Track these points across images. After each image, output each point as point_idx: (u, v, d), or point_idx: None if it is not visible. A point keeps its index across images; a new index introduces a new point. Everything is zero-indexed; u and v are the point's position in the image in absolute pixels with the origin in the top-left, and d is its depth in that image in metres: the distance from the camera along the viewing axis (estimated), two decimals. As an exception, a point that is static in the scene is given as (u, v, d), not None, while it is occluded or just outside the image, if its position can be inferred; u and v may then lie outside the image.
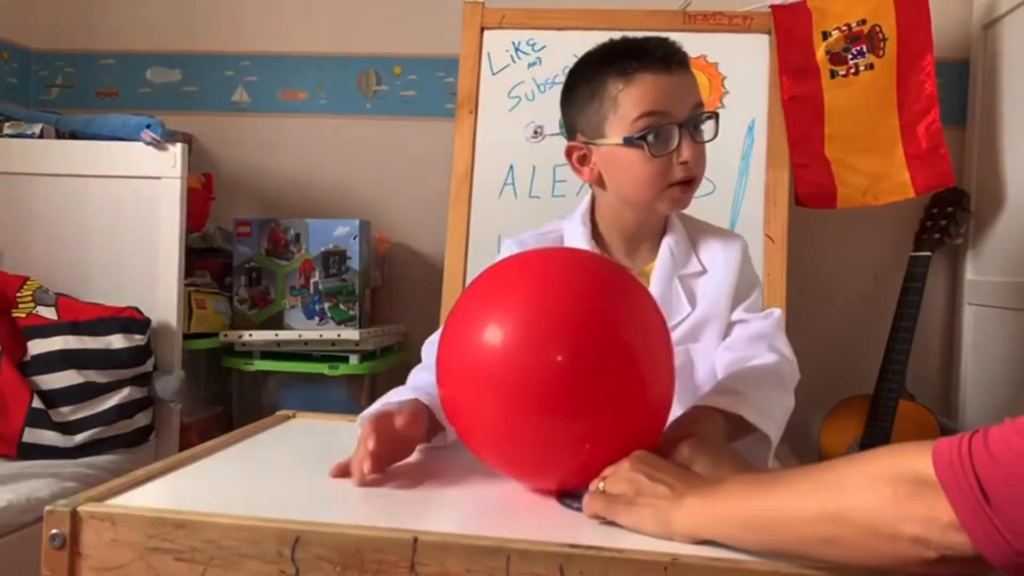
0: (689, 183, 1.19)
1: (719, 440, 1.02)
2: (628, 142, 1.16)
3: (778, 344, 1.21)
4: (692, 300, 1.23)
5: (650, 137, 1.15)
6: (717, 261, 1.26)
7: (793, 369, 1.20)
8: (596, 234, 1.26)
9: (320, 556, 0.75)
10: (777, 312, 1.26)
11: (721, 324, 1.24)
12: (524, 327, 0.83)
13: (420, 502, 0.94)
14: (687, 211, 1.28)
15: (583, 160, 1.23)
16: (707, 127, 1.19)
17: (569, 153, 1.24)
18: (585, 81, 1.21)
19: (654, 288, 1.22)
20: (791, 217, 2.01)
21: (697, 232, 1.29)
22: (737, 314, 1.25)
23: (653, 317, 0.90)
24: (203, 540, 0.77)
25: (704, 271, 1.25)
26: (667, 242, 1.25)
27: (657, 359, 0.88)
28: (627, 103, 1.16)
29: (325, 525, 0.77)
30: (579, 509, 0.87)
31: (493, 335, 0.83)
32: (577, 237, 1.25)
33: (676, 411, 1.04)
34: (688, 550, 0.75)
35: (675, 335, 1.13)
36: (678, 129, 1.15)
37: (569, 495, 0.91)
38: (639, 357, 0.85)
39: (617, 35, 1.48)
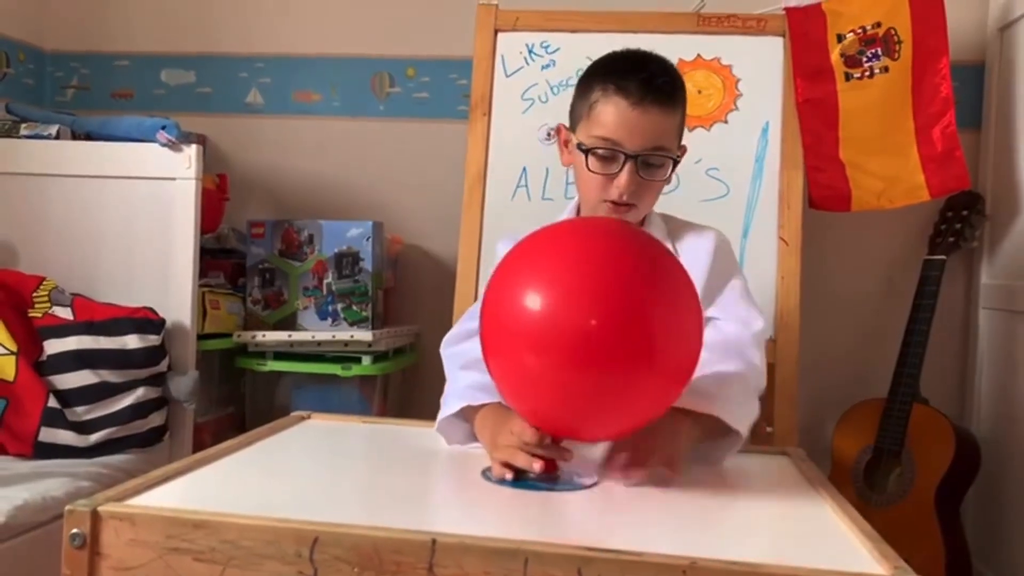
0: (622, 205, 1.28)
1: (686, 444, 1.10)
2: (580, 147, 1.28)
3: (749, 355, 1.23)
4: None
5: (598, 152, 1.26)
6: (689, 252, 1.34)
7: (760, 378, 1.24)
8: None
9: (338, 557, 0.76)
10: (759, 326, 1.29)
11: None
12: (564, 295, 0.88)
13: (438, 503, 0.94)
14: (673, 213, 1.41)
15: (567, 144, 1.35)
16: (658, 168, 1.27)
17: (558, 131, 1.37)
18: (586, 76, 1.32)
19: None
20: (805, 220, 2.01)
21: (676, 229, 1.39)
22: (712, 311, 1.29)
23: (684, 292, 0.93)
24: (222, 540, 0.77)
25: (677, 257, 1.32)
26: None
27: (680, 329, 0.91)
28: (594, 115, 1.27)
29: (343, 526, 0.77)
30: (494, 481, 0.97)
31: (535, 302, 0.88)
32: None
33: None
34: (707, 553, 0.74)
35: None
36: (624, 158, 1.24)
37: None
38: (661, 328, 0.89)
39: (630, 38, 1.52)
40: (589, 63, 1.40)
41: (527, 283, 0.89)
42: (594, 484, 1.00)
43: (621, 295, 0.87)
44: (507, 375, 0.94)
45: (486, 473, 1.01)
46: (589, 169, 1.27)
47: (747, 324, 1.26)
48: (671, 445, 1.06)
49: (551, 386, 0.89)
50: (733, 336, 1.25)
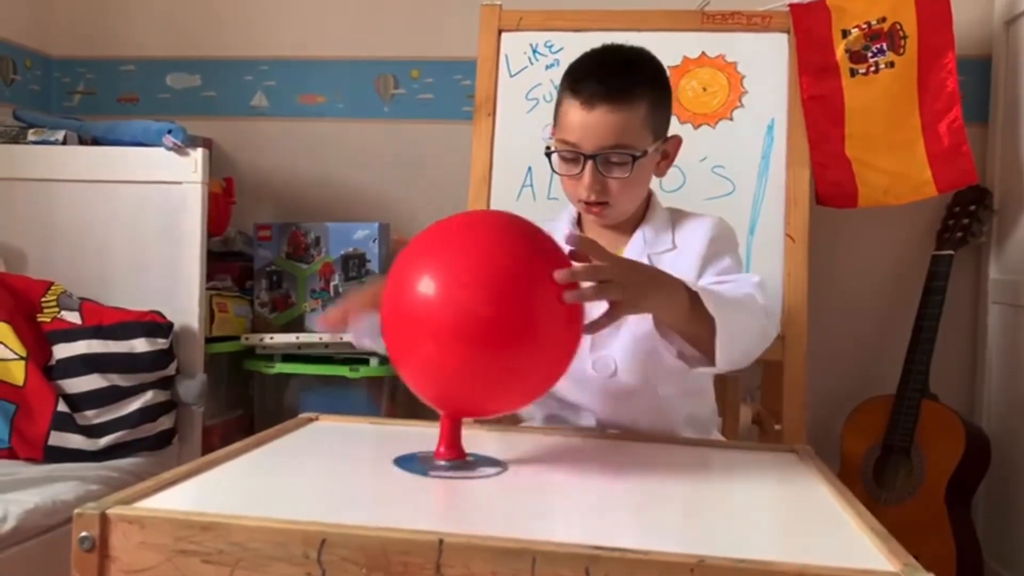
0: (594, 205, 1.31)
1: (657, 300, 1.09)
2: (546, 152, 1.33)
3: (752, 291, 1.23)
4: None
5: (561, 154, 1.30)
6: (687, 238, 1.37)
7: (764, 316, 1.21)
8: (581, 221, 1.43)
9: (346, 558, 0.76)
10: (756, 278, 1.28)
11: None
12: (452, 283, 0.94)
13: (445, 504, 0.94)
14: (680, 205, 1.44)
15: None
16: (621, 165, 1.28)
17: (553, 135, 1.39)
18: (561, 79, 1.35)
19: None
20: (812, 217, 2.00)
21: (678, 219, 1.41)
22: (708, 278, 1.30)
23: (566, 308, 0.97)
24: (230, 542, 0.77)
25: (674, 248, 1.36)
26: (643, 226, 1.38)
27: (561, 310, 0.96)
28: (559, 119, 1.32)
29: (351, 527, 0.77)
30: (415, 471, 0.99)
31: (428, 289, 0.93)
32: (563, 225, 1.42)
33: (634, 369, 1.29)
34: (715, 551, 0.74)
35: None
36: (584, 159, 1.28)
37: (406, 459, 1.03)
38: (544, 308, 0.94)
39: (634, 36, 1.54)
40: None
41: (423, 274, 0.94)
42: (503, 471, 1.01)
43: (507, 281, 0.93)
44: (408, 358, 0.98)
45: (407, 462, 1.03)
46: (555, 171, 1.33)
47: (739, 281, 1.26)
48: (641, 285, 1.05)
49: (448, 367, 0.94)
50: (741, 283, 1.25)
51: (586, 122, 1.27)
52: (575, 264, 1.01)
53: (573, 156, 1.29)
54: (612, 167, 1.28)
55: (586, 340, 1.30)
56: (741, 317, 1.16)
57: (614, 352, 1.35)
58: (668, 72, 1.35)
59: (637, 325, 1.31)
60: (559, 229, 1.39)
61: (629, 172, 1.28)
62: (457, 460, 1.02)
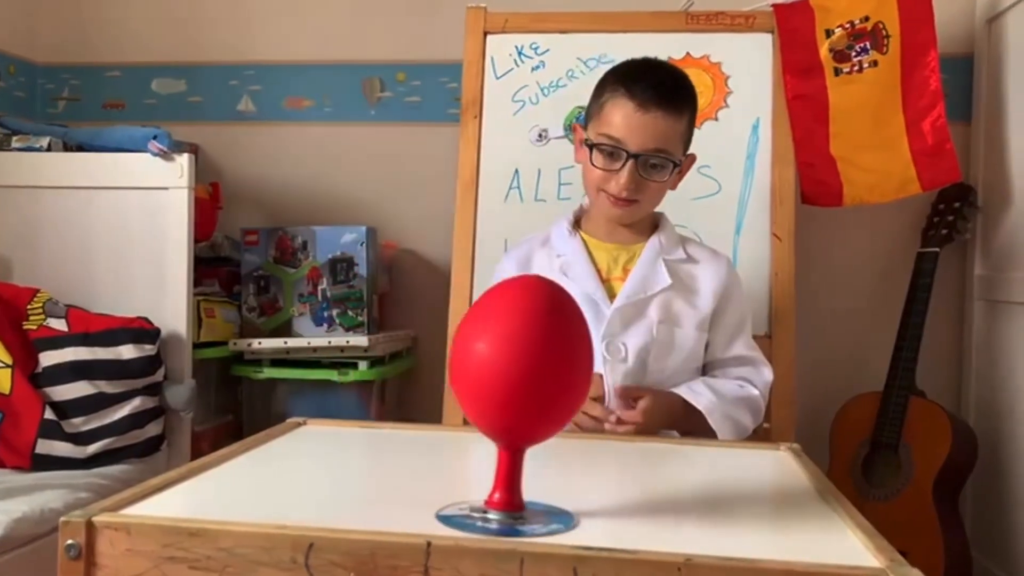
0: (621, 201, 1.39)
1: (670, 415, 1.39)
2: (586, 143, 1.40)
3: (761, 407, 1.48)
4: (674, 277, 1.43)
5: (603, 147, 1.37)
6: (705, 259, 1.47)
7: (760, 414, 1.50)
8: (578, 225, 1.51)
9: (334, 562, 0.76)
10: (769, 376, 1.51)
11: (699, 316, 1.44)
12: (503, 341, 0.98)
13: (433, 506, 0.94)
14: (664, 210, 1.53)
15: (582, 142, 1.44)
16: (658, 169, 1.37)
17: (574, 129, 1.51)
18: (602, 78, 1.42)
19: (640, 265, 1.43)
20: (797, 216, 2.01)
21: (686, 240, 1.52)
22: (738, 348, 1.47)
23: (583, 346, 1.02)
24: (217, 548, 0.77)
25: (688, 259, 1.46)
26: (657, 234, 1.47)
27: (577, 370, 1.00)
28: (603, 115, 1.38)
29: (338, 531, 0.77)
30: None
31: (483, 347, 0.95)
32: (560, 233, 1.51)
33: (644, 358, 1.41)
34: (702, 550, 0.74)
35: (656, 309, 1.41)
36: (626, 156, 1.34)
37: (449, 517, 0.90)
38: (565, 368, 0.97)
39: (619, 38, 1.59)
40: (579, 63, 1.47)
41: (480, 335, 0.99)
42: (572, 527, 0.85)
43: (540, 336, 0.97)
44: (472, 401, 0.99)
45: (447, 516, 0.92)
46: (593, 164, 1.38)
47: (764, 383, 1.48)
48: (654, 423, 1.35)
49: (503, 405, 0.95)
50: (756, 398, 1.47)
51: (637, 123, 1.33)
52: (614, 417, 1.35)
53: (614, 152, 1.35)
54: (651, 170, 1.36)
55: (598, 327, 1.36)
56: (739, 427, 1.42)
57: (625, 337, 1.42)
58: None
59: (652, 315, 1.41)
60: (557, 231, 1.50)
61: (667, 176, 1.37)
62: (513, 512, 0.85)
